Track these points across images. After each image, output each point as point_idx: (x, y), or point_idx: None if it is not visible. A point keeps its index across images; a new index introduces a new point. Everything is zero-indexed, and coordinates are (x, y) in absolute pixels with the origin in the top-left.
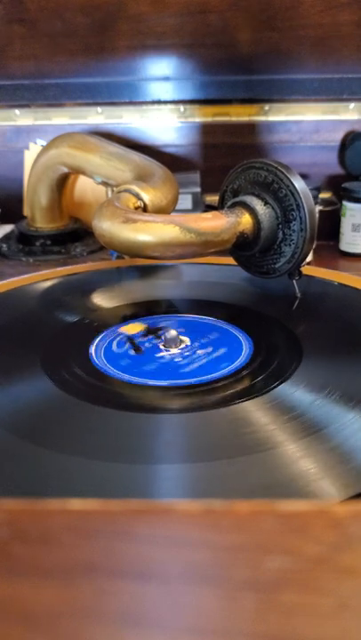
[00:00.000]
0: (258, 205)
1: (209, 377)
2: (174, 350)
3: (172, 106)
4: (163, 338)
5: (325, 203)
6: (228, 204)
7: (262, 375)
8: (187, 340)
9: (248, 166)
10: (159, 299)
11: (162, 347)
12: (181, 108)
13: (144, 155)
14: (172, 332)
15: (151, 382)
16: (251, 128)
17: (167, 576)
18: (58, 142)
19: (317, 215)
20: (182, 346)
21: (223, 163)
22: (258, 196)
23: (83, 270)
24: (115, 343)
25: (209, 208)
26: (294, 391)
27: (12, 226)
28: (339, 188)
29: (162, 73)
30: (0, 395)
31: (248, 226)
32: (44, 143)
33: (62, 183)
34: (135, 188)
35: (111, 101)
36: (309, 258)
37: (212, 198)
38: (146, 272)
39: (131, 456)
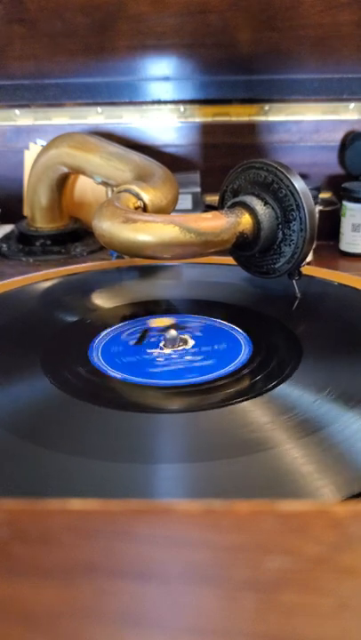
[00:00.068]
0: (258, 205)
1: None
2: (167, 350)
3: (172, 106)
4: (164, 337)
5: (325, 203)
6: (228, 204)
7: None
8: (191, 343)
9: (248, 166)
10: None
11: (161, 345)
12: (181, 108)
13: (144, 155)
14: (172, 332)
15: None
16: (251, 128)
17: (167, 576)
18: (58, 142)
19: (317, 215)
20: (178, 347)
21: (223, 163)
22: (258, 196)
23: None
24: (126, 333)
25: (209, 208)
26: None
27: (11, 226)
28: (339, 188)
29: (162, 73)
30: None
31: (248, 226)
32: (44, 143)
33: (62, 183)
34: (135, 187)
35: (111, 101)
36: (309, 258)
37: (212, 198)
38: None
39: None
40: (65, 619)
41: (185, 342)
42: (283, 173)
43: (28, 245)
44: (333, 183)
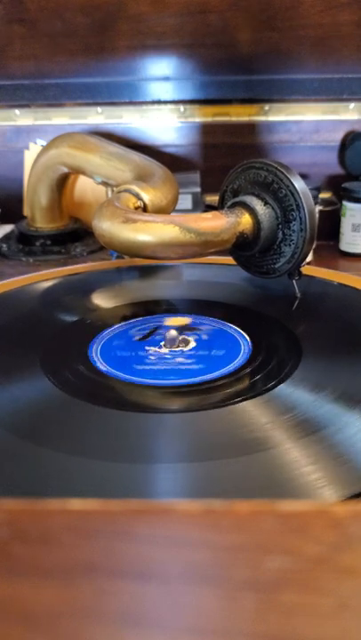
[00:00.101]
0: (258, 205)
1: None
2: (164, 350)
3: (172, 106)
4: (164, 336)
5: (325, 203)
6: (228, 204)
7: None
8: (191, 345)
9: (248, 166)
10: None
11: (161, 344)
12: (181, 108)
13: (144, 155)
14: (172, 333)
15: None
16: (251, 128)
17: (167, 576)
18: (58, 142)
19: (317, 215)
20: (177, 348)
21: (223, 163)
22: (258, 196)
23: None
24: (137, 329)
25: (209, 208)
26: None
27: (12, 226)
28: (339, 188)
29: (162, 73)
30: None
31: (248, 226)
32: (44, 143)
33: (62, 183)
34: (135, 188)
35: (111, 101)
36: (309, 258)
37: (212, 198)
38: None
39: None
40: (65, 619)
41: (186, 343)
42: (283, 173)
43: (28, 245)
44: (333, 183)
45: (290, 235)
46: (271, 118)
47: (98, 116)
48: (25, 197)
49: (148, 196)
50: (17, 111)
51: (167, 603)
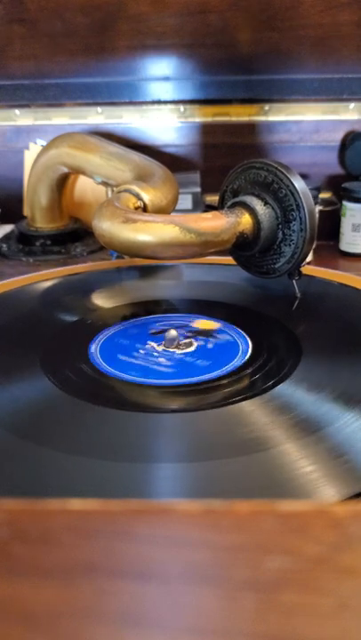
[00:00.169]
0: (258, 205)
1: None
2: (160, 347)
3: (172, 106)
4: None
5: (325, 203)
6: (228, 204)
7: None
8: (190, 349)
9: (248, 166)
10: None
11: (162, 343)
12: (181, 108)
13: (144, 155)
14: (172, 333)
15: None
16: (251, 128)
17: (167, 576)
18: (58, 142)
19: (317, 215)
20: (174, 348)
21: (223, 163)
22: (258, 196)
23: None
24: (156, 327)
25: (209, 208)
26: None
27: (11, 226)
28: (339, 188)
29: (162, 73)
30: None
31: (248, 226)
32: (44, 143)
33: (62, 183)
34: (135, 187)
35: (111, 101)
36: (309, 258)
37: (212, 198)
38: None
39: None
40: (65, 619)
41: (187, 346)
42: (283, 173)
43: (28, 245)
44: (333, 183)
45: (290, 235)
46: (271, 118)
47: (98, 116)
48: (25, 197)
49: (148, 196)
50: (17, 111)
51: (167, 603)
